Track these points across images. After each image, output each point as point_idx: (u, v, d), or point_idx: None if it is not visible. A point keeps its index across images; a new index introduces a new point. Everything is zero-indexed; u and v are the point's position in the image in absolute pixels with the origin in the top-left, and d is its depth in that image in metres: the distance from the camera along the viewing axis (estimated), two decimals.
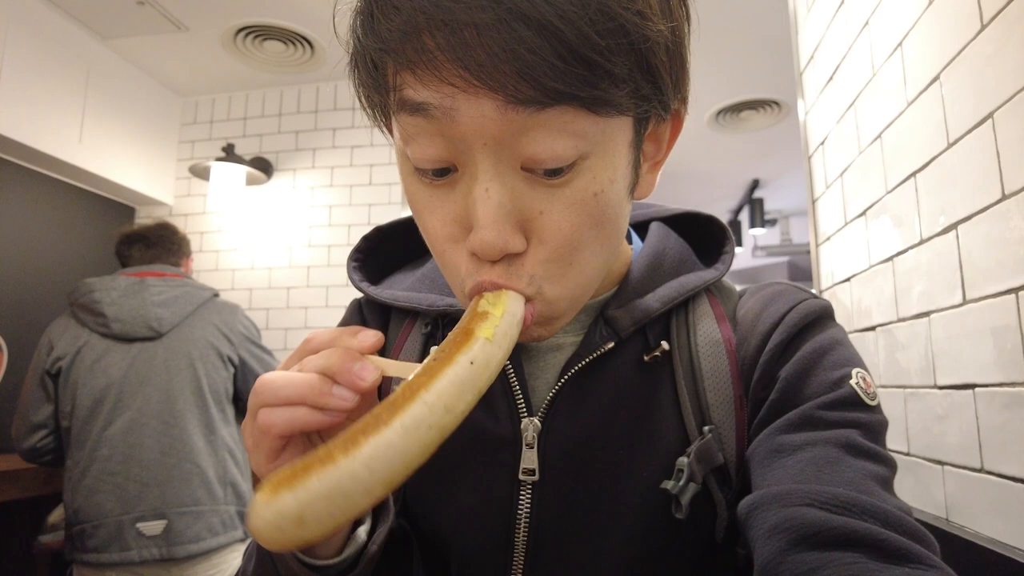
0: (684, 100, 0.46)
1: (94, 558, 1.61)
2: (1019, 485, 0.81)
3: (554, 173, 0.40)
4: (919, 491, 1.05)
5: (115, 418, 1.66)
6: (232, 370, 1.84)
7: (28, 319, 2.47)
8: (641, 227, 0.62)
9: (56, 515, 1.96)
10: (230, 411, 1.85)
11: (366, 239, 0.63)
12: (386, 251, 0.64)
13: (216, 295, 1.90)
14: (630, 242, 0.59)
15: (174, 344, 1.74)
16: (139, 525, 1.62)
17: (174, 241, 1.93)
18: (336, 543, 0.45)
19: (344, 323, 0.62)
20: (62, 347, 1.70)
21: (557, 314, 0.45)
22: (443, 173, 0.41)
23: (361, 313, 0.62)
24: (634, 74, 0.39)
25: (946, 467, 0.98)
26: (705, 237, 0.61)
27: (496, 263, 0.41)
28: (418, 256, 0.64)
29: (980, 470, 0.89)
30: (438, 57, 0.36)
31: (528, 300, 0.42)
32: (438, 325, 0.56)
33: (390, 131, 0.46)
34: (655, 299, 0.53)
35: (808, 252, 1.66)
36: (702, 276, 0.56)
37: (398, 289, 0.59)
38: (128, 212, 3.11)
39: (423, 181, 0.42)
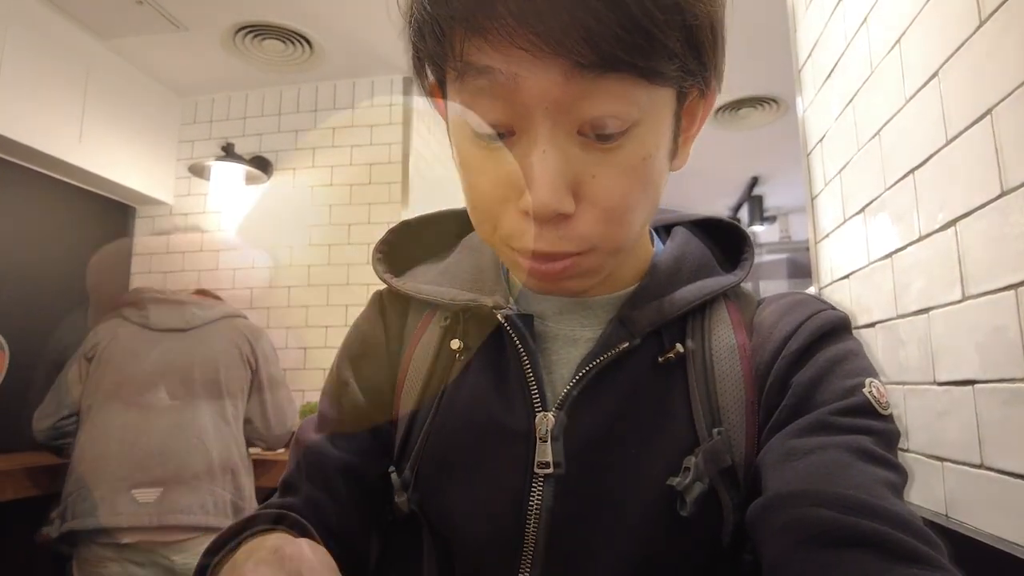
0: (720, 78, 0.48)
1: (80, 524, 1.62)
2: (1019, 481, 0.81)
3: (607, 138, 0.42)
4: (919, 487, 1.05)
5: (135, 397, 1.76)
6: (250, 373, 1.95)
7: (28, 318, 2.47)
8: (663, 231, 0.63)
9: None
10: (243, 408, 1.92)
11: (392, 232, 0.64)
12: (410, 244, 0.65)
13: (245, 317, 2.10)
14: (652, 244, 0.60)
15: (202, 336, 1.91)
16: (134, 491, 1.66)
17: None
18: None
19: (364, 315, 0.63)
20: (101, 335, 1.88)
21: (601, 270, 0.48)
22: (498, 137, 0.43)
23: (382, 305, 0.62)
24: (684, 49, 0.41)
25: (946, 463, 0.99)
26: (726, 243, 0.62)
27: (546, 226, 0.44)
28: (442, 251, 0.65)
29: (980, 466, 0.89)
30: (510, 22, 0.38)
31: (578, 254, 0.45)
32: (458, 319, 0.57)
33: (441, 101, 0.48)
34: (673, 301, 0.54)
35: (807, 249, 1.66)
36: (721, 281, 0.56)
37: (420, 281, 0.60)
38: (128, 212, 3.11)
39: (478, 144, 0.45)
